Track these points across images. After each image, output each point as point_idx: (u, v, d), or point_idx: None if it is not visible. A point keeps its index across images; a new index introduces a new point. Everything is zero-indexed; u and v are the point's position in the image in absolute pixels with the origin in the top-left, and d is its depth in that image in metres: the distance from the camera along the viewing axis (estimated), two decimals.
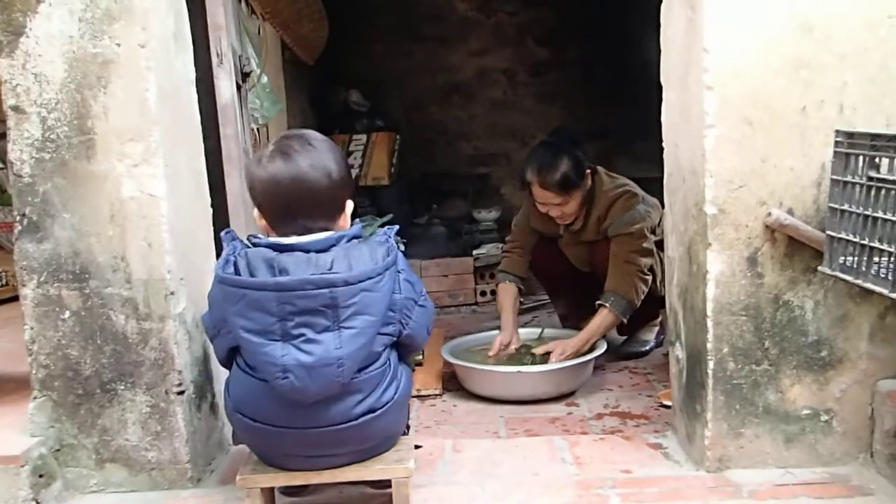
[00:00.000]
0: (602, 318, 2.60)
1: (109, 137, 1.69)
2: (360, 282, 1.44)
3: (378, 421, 1.54)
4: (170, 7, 1.78)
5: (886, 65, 1.65)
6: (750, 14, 1.65)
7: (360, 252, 1.49)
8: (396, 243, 1.58)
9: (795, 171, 1.68)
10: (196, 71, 1.93)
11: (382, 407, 1.53)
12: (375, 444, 1.59)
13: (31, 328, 1.74)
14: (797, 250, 1.69)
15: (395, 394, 1.56)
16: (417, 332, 1.59)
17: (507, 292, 2.84)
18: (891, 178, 1.38)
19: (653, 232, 2.67)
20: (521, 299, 3.19)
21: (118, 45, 1.66)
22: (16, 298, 3.23)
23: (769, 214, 1.67)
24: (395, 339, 1.55)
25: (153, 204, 1.70)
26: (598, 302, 2.61)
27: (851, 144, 1.50)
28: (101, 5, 1.65)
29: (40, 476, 1.71)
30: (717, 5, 1.64)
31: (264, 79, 2.77)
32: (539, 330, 2.86)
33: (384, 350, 1.54)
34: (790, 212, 1.68)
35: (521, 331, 2.77)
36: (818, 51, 1.65)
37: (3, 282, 3.34)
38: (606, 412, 2.34)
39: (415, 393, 2.33)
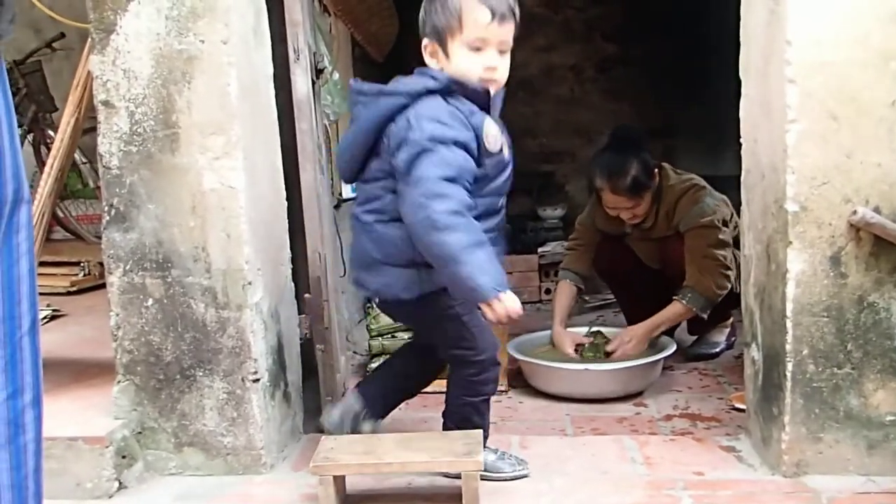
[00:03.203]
0: (673, 309, 2.57)
1: (192, 131, 1.74)
2: None
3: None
4: (250, 4, 1.83)
5: None
6: (836, 4, 1.60)
7: None
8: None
9: (883, 167, 1.62)
10: (272, 66, 1.97)
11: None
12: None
13: (117, 314, 1.81)
14: (884, 250, 1.63)
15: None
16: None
17: (563, 291, 2.80)
18: None
19: (724, 225, 2.61)
20: (586, 297, 3.16)
21: (202, 41, 1.72)
22: (96, 287, 3.39)
23: (854, 212, 1.61)
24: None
25: (232, 196, 1.75)
26: (673, 297, 2.57)
27: None
28: (187, 3, 1.71)
29: (123, 457, 1.78)
30: None
31: (336, 75, 2.82)
32: (586, 328, 2.81)
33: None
34: (877, 210, 1.62)
35: (570, 329, 2.74)
36: None
37: (86, 271, 3.48)
38: (676, 413, 2.30)
39: None
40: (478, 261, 1.52)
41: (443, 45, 1.62)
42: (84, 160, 4.10)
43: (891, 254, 1.62)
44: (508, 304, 1.52)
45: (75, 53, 3.70)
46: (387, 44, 3.87)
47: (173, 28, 1.72)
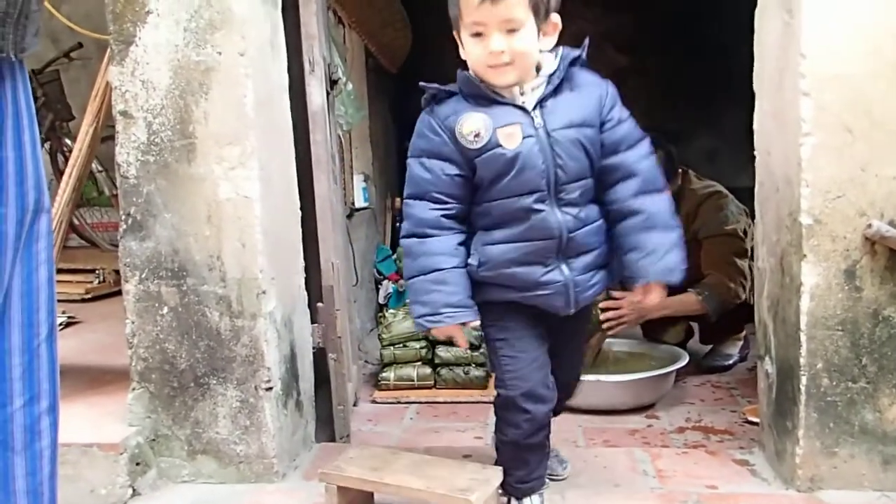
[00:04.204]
0: (685, 298, 2.54)
1: (208, 141, 1.76)
2: None
3: None
4: (266, 17, 1.85)
5: None
6: (850, 17, 1.60)
7: None
8: None
9: None
10: (288, 78, 1.99)
11: None
12: None
13: (132, 322, 1.82)
14: None
15: None
16: None
17: None
18: None
19: (745, 234, 2.61)
20: None
21: (219, 53, 1.74)
22: (111, 295, 3.41)
23: (869, 226, 1.60)
24: None
25: (248, 206, 1.76)
26: (689, 288, 2.54)
27: None
28: (205, 16, 1.72)
29: (137, 464, 1.79)
30: (815, 9, 1.60)
31: (349, 86, 2.84)
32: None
33: None
34: (892, 223, 1.61)
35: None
36: None
37: (101, 279, 3.50)
38: (688, 426, 2.29)
39: (490, 399, 2.33)
40: (415, 289, 1.54)
41: (459, 35, 1.52)
42: (100, 168, 4.13)
43: None
44: (441, 336, 1.60)
45: (92, 63, 3.74)
46: (401, 55, 3.89)
47: (191, 40, 1.74)
